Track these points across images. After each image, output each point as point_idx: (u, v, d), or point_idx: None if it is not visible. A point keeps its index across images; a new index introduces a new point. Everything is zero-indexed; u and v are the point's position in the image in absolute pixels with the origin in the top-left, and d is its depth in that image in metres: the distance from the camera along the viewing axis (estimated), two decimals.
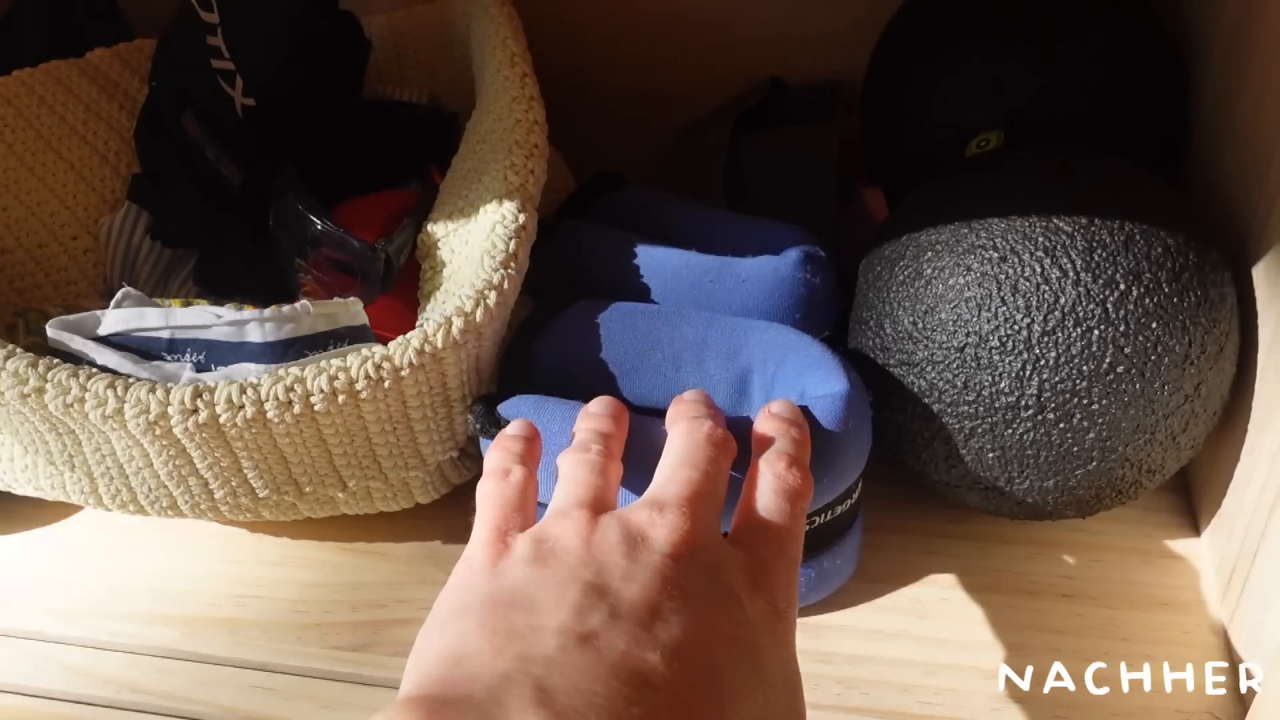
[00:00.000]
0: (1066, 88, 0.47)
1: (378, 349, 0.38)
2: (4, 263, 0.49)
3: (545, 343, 0.42)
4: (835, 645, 0.40)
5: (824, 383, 0.37)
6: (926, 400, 0.39)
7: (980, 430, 0.38)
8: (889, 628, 0.41)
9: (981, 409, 0.38)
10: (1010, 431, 0.38)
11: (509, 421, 0.39)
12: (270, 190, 0.50)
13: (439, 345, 0.38)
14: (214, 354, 0.41)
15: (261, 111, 0.52)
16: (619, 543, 0.29)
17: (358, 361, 0.37)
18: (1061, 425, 0.37)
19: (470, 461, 0.45)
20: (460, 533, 0.47)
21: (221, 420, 0.37)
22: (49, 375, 0.37)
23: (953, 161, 0.49)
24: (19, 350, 0.38)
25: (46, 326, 0.41)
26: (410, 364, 0.38)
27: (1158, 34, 0.48)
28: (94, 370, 0.38)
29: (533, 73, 0.49)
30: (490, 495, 0.33)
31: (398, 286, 0.47)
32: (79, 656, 0.43)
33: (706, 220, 0.48)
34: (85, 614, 0.44)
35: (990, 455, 0.39)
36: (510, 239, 0.41)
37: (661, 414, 0.39)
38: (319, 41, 0.56)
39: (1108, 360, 0.36)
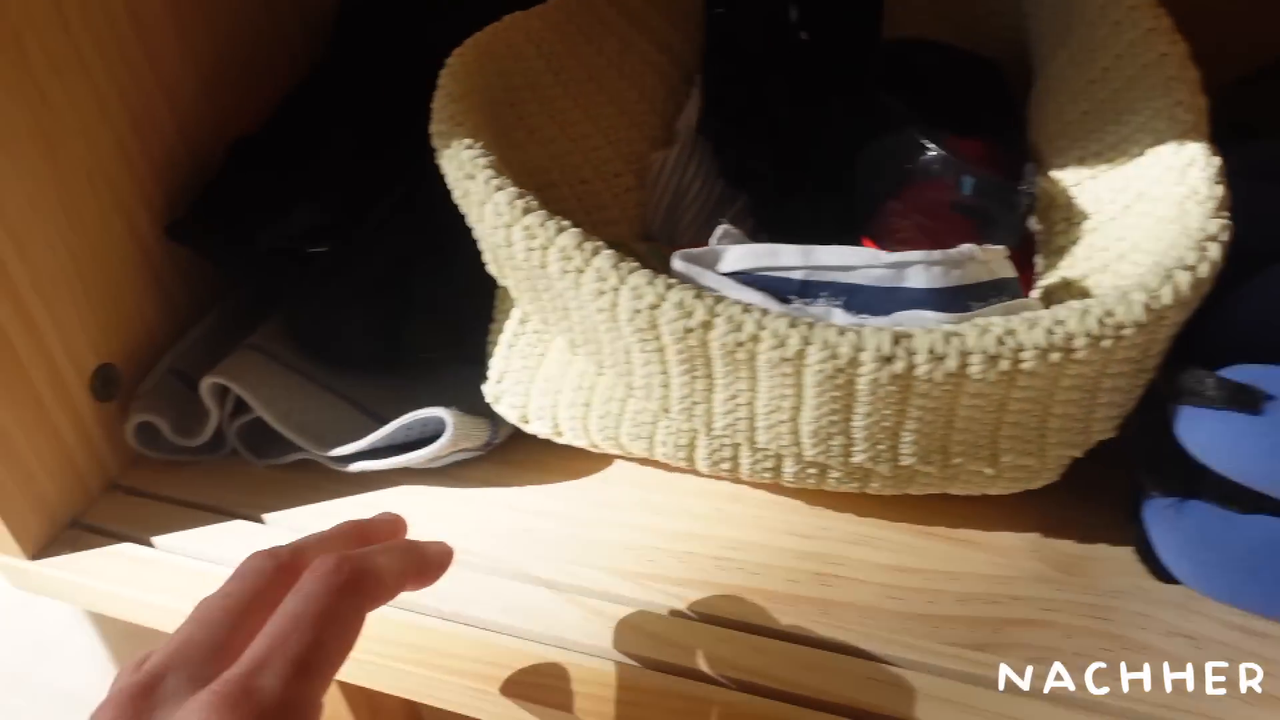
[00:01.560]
0: None
1: (1094, 304, 0.32)
2: (549, 197, 0.46)
3: (1244, 306, 0.36)
4: None
5: None
6: None
7: None
8: None
9: None
10: None
11: (1262, 391, 0.32)
12: (818, 129, 0.45)
13: (1167, 302, 0.32)
14: (858, 299, 0.36)
15: (814, 46, 0.48)
16: None
17: (1076, 316, 0.32)
18: None
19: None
20: (1059, 527, 0.41)
21: (917, 372, 0.32)
22: (718, 309, 0.33)
23: None
24: (680, 283, 0.34)
25: (673, 258, 0.37)
26: (1137, 322, 0.32)
27: None
28: (765, 309, 0.33)
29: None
30: None
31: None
32: (660, 625, 0.39)
33: None
34: (656, 578, 0.41)
35: None
36: (1215, 182, 0.35)
37: None
38: None
39: None
